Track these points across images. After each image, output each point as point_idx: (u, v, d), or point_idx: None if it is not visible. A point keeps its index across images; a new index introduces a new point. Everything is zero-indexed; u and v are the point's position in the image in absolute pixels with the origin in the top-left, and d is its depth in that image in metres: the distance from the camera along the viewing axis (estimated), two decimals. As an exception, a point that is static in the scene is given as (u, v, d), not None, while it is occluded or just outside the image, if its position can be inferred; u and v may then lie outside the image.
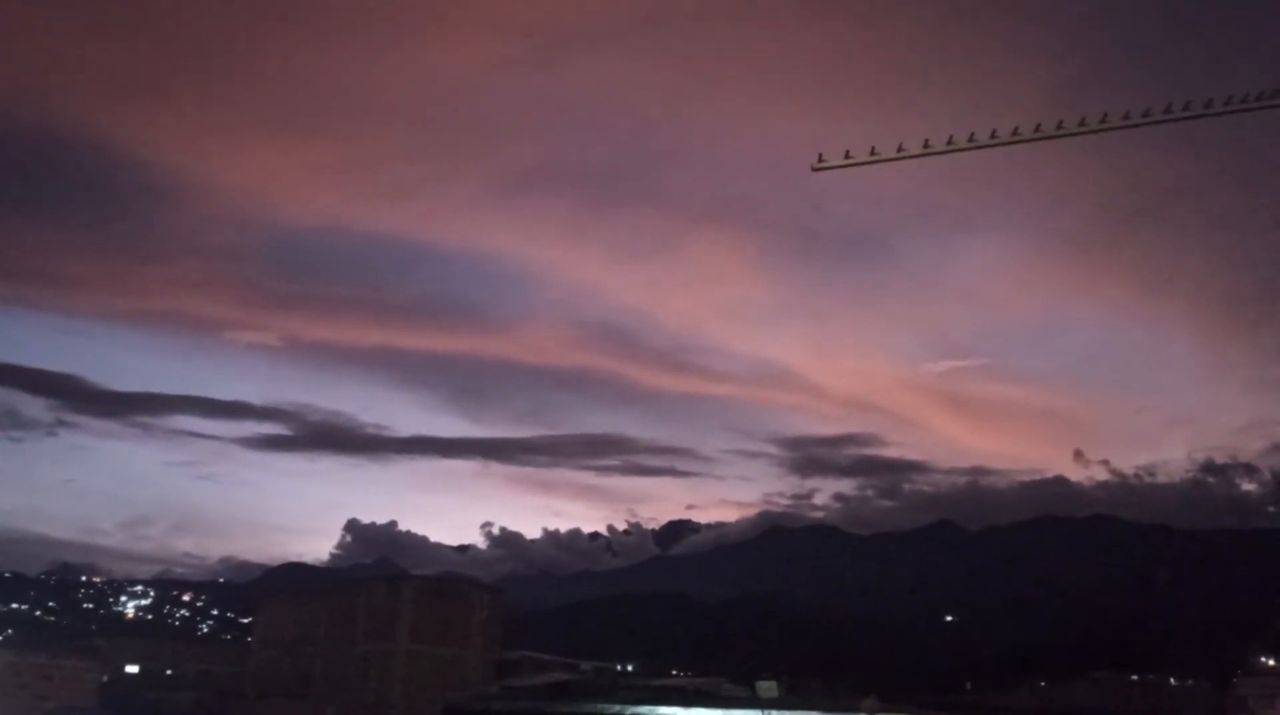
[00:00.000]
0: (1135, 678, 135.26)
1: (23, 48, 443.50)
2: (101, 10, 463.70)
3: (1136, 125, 9.23)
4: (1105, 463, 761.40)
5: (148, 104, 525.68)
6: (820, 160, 8.51)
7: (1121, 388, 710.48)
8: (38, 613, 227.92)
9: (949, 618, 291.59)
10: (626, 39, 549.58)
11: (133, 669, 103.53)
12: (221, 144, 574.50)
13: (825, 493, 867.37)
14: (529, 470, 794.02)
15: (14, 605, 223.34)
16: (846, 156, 8.46)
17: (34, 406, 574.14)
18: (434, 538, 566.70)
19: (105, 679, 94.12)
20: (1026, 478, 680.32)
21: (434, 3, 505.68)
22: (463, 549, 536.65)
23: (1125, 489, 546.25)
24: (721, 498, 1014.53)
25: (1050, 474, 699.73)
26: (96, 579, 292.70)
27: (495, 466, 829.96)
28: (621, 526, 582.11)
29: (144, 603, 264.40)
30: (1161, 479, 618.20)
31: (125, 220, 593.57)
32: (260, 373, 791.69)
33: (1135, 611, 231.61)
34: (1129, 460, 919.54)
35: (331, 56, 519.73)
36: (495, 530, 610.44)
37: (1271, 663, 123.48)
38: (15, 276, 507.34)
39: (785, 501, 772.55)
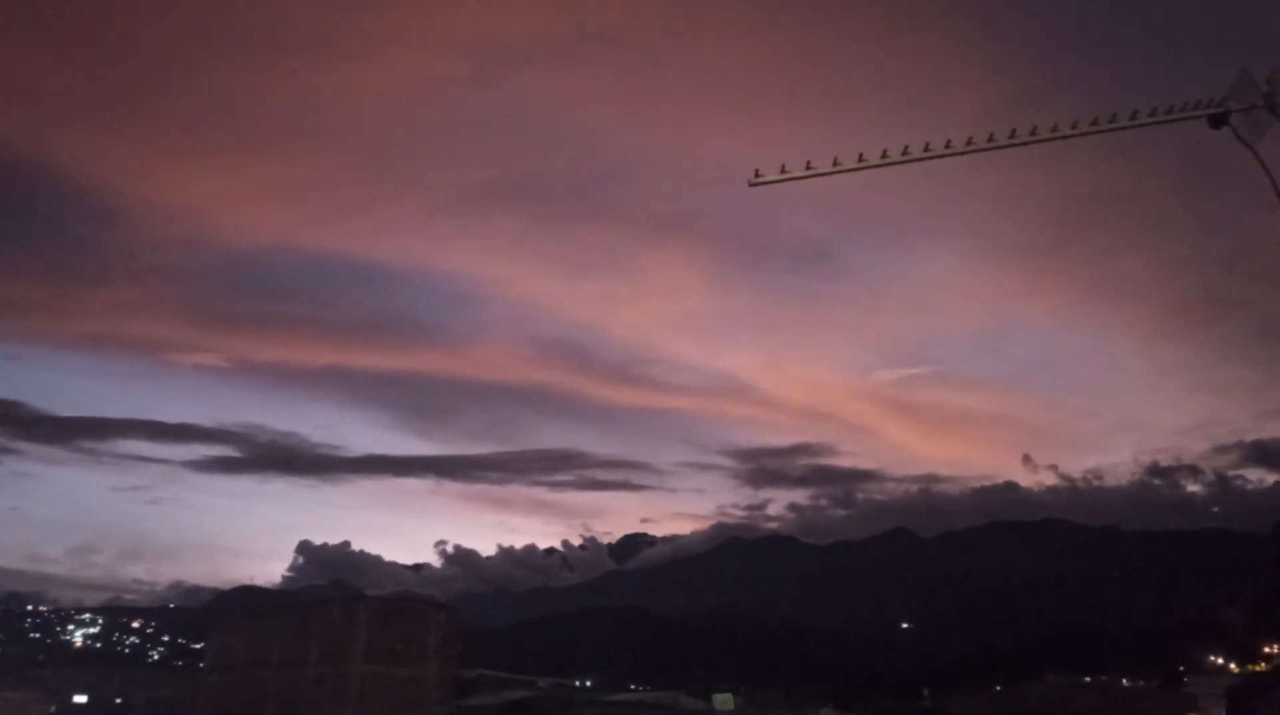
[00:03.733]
0: (1088, 679, 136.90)
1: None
2: (44, 35, 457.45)
3: (1067, 137, 9.47)
4: (1054, 467, 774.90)
5: (94, 128, 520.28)
6: (757, 175, 8.64)
7: (1068, 392, 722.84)
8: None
9: (905, 625, 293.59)
10: (570, 57, 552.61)
11: (81, 699, 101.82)
12: (166, 165, 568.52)
13: (779, 503, 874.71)
14: (482, 487, 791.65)
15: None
16: (783, 171, 8.60)
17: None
18: (388, 557, 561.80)
19: (53, 710, 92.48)
20: (978, 483, 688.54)
21: (378, 24, 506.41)
22: (417, 568, 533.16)
23: (1074, 493, 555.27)
24: (676, 510, 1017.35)
25: (1001, 479, 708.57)
26: (43, 608, 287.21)
27: (448, 484, 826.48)
28: (577, 541, 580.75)
29: (93, 631, 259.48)
30: (1109, 482, 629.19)
31: (68, 243, 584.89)
32: (208, 394, 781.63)
33: (1087, 613, 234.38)
34: (1077, 464, 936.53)
35: (276, 78, 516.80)
36: (450, 548, 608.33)
37: (1220, 661, 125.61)
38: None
39: (740, 513, 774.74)
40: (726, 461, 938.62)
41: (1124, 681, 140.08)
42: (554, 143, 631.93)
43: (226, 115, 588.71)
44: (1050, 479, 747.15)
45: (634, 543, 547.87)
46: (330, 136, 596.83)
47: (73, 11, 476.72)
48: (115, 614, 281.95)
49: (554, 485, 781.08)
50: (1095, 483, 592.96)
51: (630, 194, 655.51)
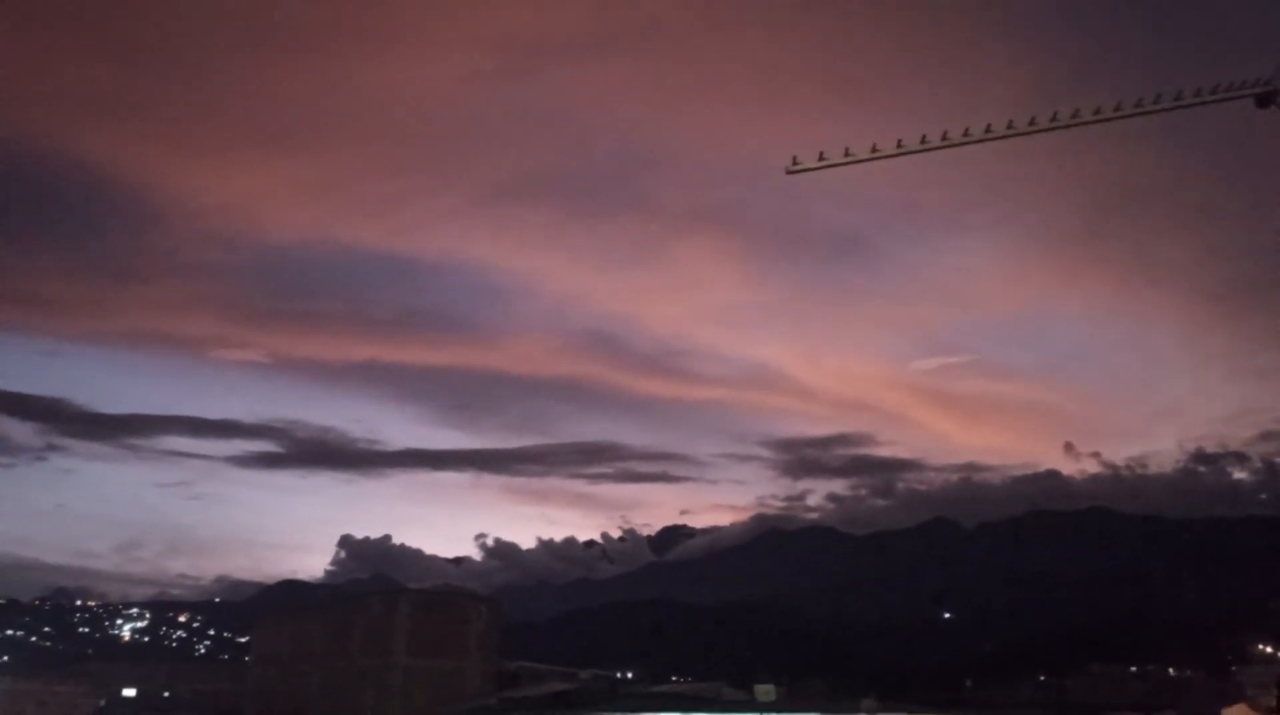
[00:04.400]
0: (1134, 669, 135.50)
1: (2, 72, 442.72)
2: (83, 34, 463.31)
3: (1110, 119, 9.33)
4: (1097, 455, 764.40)
5: (131, 126, 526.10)
6: (795, 163, 8.56)
7: (1109, 380, 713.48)
8: (33, 639, 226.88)
9: (947, 615, 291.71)
10: (603, 50, 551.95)
11: (129, 692, 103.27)
12: (204, 164, 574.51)
13: (819, 494, 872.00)
14: (522, 480, 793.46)
15: (8, 631, 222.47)
16: (821, 158, 8.51)
17: (22, 431, 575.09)
18: (429, 551, 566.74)
19: (102, 703, 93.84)
20: (1019, 472, 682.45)
21: (412, 20, 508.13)
22: (458, 561, 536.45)
23: (1117, 481, 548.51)
24: (715, 502, 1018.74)
25: (1042, 468, 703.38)
26: (91, 603, 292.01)
27: (488, 477, 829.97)
28: (616, 534, 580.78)
29: (140, 625, 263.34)
30: (1153, 470, 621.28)
31: (109, 242, 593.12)
32: (249, 390, 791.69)
33: (1131, 603, 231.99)
34: (1120, 452, 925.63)
35: (311, 75, 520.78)
36: (490, 541, 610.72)
37: (1268, 650, 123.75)
38: (0, 301, 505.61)
39: (779, 503, 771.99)
40: (765, 452, 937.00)
41: (1170, 671, 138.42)
42: (587, 135, 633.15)
43: (262, 112, 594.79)
44: (1093, 467, 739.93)
45: (673, 534, 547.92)
46: (365, 132, 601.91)
47: (109, 10, 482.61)
48: (162, 608, 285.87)
49: (592, 477, 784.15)
50: (1139, 471, 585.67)
51: (664, 186, 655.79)
